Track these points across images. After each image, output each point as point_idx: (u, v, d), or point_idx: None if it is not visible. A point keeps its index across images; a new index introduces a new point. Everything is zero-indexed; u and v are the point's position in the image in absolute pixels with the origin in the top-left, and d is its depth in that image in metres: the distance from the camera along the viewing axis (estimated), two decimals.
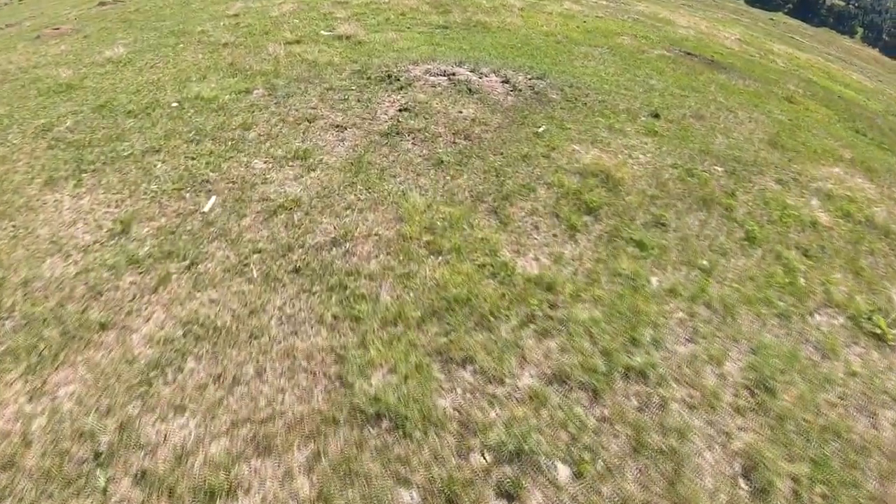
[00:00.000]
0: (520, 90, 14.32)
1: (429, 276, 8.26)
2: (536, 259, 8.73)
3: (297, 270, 8.32)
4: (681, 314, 8.13)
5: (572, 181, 10.46)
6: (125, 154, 10.86)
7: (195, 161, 10.65)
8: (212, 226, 9.06)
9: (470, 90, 14.09)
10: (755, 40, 37.43)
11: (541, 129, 12.19)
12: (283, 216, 9.27)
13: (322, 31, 20.02)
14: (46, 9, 33.41)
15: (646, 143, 12.47)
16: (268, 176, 10.27)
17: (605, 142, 12.19)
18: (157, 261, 8.33)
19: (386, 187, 10.06)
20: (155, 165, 10.44)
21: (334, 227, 9.06)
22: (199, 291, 7.88)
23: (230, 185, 10.02)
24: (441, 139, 11.68)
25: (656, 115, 14.21)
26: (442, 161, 10.89)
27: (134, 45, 19.26)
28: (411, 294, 7.97)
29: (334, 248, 8.67)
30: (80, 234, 8.81)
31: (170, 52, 17.78)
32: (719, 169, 11.74)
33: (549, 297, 8.07)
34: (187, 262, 8.34)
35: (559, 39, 21.87)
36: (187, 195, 9.69)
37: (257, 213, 9.36)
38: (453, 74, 14.90)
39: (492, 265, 8.51)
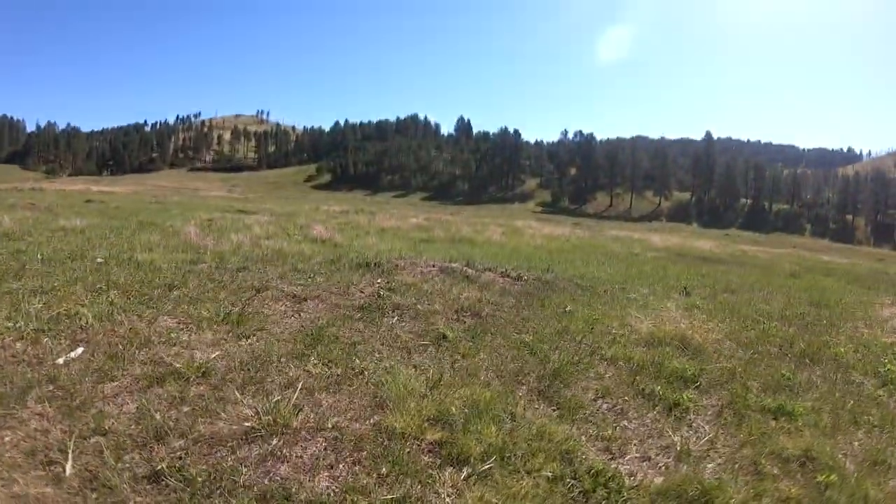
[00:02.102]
0: (525, 280, 12.22)
1: None
2: (647, 459, 5.21)
3: (155, 477, 4.27)
4: None
5: (640, 352, 7.94)
6: (7, 289, 8.66)
7: (83, 308, 7.74)
8: (51, 383, 5.52)
9: (468, 278, 11.77)
10: (728, 246, 41.32)
11: (568, 308, 10.16)
12: (171, 387, 5.59)
13: (294, 235, 18.82)
14: (39, 198, 37.06)
15: (697, 313, 10.72)
16: (174, 336, 7.04)
17: (654, 314, 10.20)
18: None
19: (357, 363, 6.62)
20: (31, 304, 7.89)
21: (255, 412, 5.14)
22: None
23: (112, 337, 6.85)
24: (440, 316, 8.86)
25: (688, 293, 12.99)
26: (445, 336, 7.86)
27: (95, 223, 18.70)
28: None
29: (246, 446, 4.68)
30: None
31: (125, 232, 16.44)
32: (790, 329, 10.28)
33: None
34: None
35: (550, 250, 21.48)
36: (46, 340, 6.62)
37: (134, 377, 5.80)
38: (443, 267, 12.54)
39: (574, 477, 4.73)
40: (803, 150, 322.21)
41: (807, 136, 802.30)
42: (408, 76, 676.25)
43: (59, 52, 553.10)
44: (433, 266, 12.56)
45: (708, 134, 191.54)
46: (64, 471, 4.19)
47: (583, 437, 5.35)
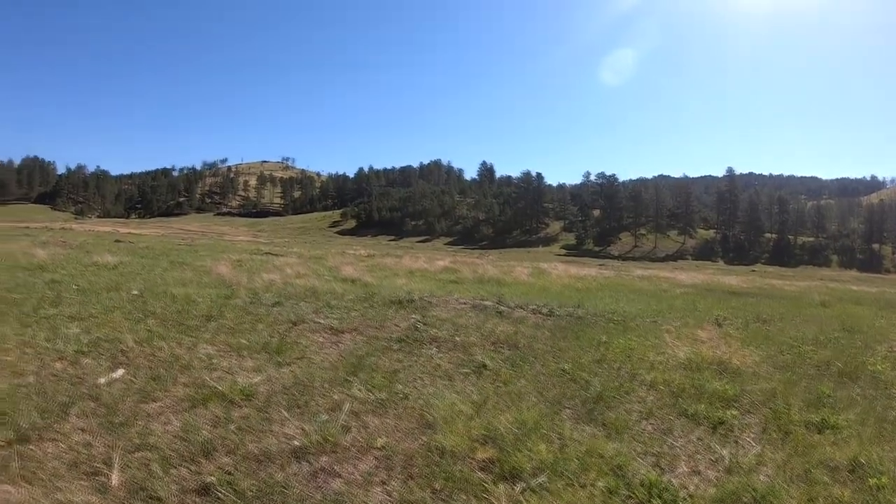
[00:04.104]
0: (557, 315, 12.12)
1: None
2: (697, 472, 5.15)
3: (204, 490, 4.22)
4: None
5: (679, 376, 7.95)
6: (45, 315, 9.07)
7: (121, 334, 8.02)
8: (93, 400, 5.60)
9: (500, 314, 11.79)
10: (755, 280, 40.97)
11: (603, 339, 10.06)
12: (215, 409, 5.65)
13: (325, 275, 18.79)
14: (70, 236, 39.81)
15: (731, 342, 10.51)
16: (214, 362, 7.20)
17: (689, 343, 10.14)
18: None
19: (401, 389, 6.66)
20: (69, 328, 8.20)
21: (302, 432, 5.15)
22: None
23: (153, 361, 7.02)
24: (477, 347, 8.90)
25: (720, 324, 12.87)
26: (485, 365, 7.93)
27: (126, 260, 19.30)
28: None
29: (296, 463, 4.66)
30: None
31: (157, 270, 17.13)
32: (825, 352, 10.21)
33: None
34: (14, 434, 4.79)
35: (578, 289, 21.43)
36: (86, 361, 6.85)
37: (177, 399, 5.87)
38: (476, 304, 12.72)
39: (628, 488, 4.69)
40: (826, 180, 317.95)
41: (828, 166, 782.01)
42: (430, 124, 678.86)
43: (90, 99, 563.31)
44: (465, 303, 12.75)
45: (730, 170, 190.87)
46: (109, 481, 4.18)
47: (632, 454, 5.29)
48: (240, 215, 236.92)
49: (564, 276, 28.05)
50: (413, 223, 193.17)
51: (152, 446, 4.73)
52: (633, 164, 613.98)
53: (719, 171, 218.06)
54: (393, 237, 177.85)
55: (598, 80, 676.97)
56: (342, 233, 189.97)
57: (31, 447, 4.59)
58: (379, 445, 5.08)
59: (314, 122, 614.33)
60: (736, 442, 5.83)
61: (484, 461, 4.93)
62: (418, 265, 27.83)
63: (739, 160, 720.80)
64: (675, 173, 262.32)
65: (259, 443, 4.93)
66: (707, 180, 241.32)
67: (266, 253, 32.67)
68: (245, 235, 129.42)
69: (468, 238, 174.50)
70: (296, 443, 4.97)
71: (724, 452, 5.51)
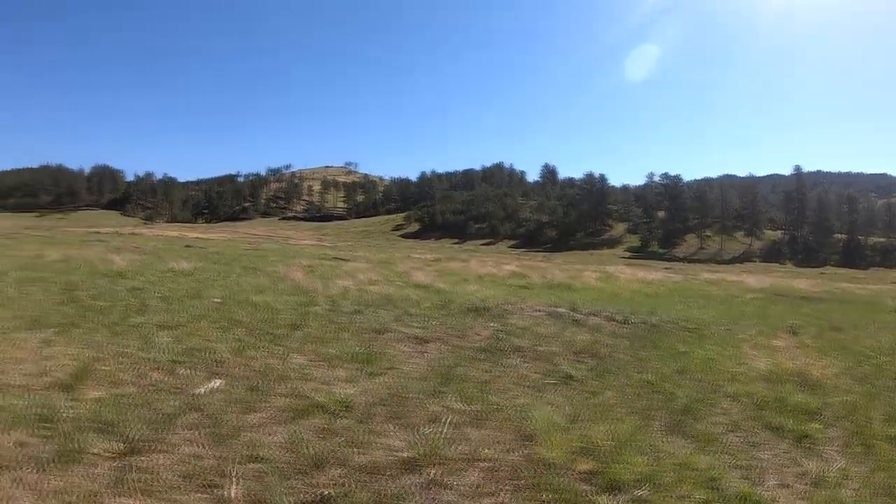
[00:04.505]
0: (632, 323, 12.30)
1: None
2: (786, 485, 5.25)
3: (324, 502, 4.30)
4: None
5: (760, 388, 7.99)
6: (133, 323, 9.42)
7: (212, 343, 8.29)
8: (196, 411, 5.71)
9: (576, 322, 11.96)
10: (825, 283, 40.11)
11: (682, 349, 10.24)
12: (317, 420, 5.75)
13: (396, 281, 19.00)
14: (140, 241, 41.79)
15: (808, 352, 10.42)
16: (307, 372, 7.33)
17: (767, 353, 10.18)
18: (80, 429, 5.08)
19: (494, 400, 6.75)
20: (159, 337, 8.47)
21: (407, 444, 5.26)
22: (115, 497, 4.16)
23: (248, 371, 7.21)
24: (560, 357, 9.01)
25: (795, 333, 12.76)
26: (570, 376, 8.03)
27: (200, 266, 20.08)
28: None
29: (406, 475, 4.74)
30: (14, 372, 6.64)
31: (232, 276, 17.73)
32: None
33: None
34: (123, 446, 4.84)
35: (648, 294, 21.49)
36: (182, 371, 6.99)
37: (276, 409, 5.99)
38: (551, 312, 12.87)
39: (723, 501, 4.83)
40: None
41: None
42: (492, 127, 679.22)
43: (158, 110, 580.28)
44: (539, 310, 12.95)
45: (797, 168, 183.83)
46: (228, 493, 4.26)
47: (723, 466, 5.39)
48: (304, 219, 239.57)
49: (633, 280, 27.95)
50: (476, 226, 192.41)
51: (263, 458, 4.80)
52: (697, 163, 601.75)
53: (786, 170, 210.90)
54: (456, 240, 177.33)
55: (662, 77, 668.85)
56: (405, 236, 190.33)
57: (142, 458, 4.67)
58: (483, 457, 5.16)
59: (376, 127, 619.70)
60: (820, 455, 5.87)
61: (585, 473, 5.01)
62: (486, 270, 27.83)
63: (807, 158, 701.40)
64: (741, 173, 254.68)
65: (367, 455, 5.01)
66: (773, 179, 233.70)
67: (334, 258, 33.06)
68: (310, 239, 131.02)
69: (532, 240, 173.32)
70: (403, 454, 5.05)
71: (810, 466, 5.59)
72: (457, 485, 4.67)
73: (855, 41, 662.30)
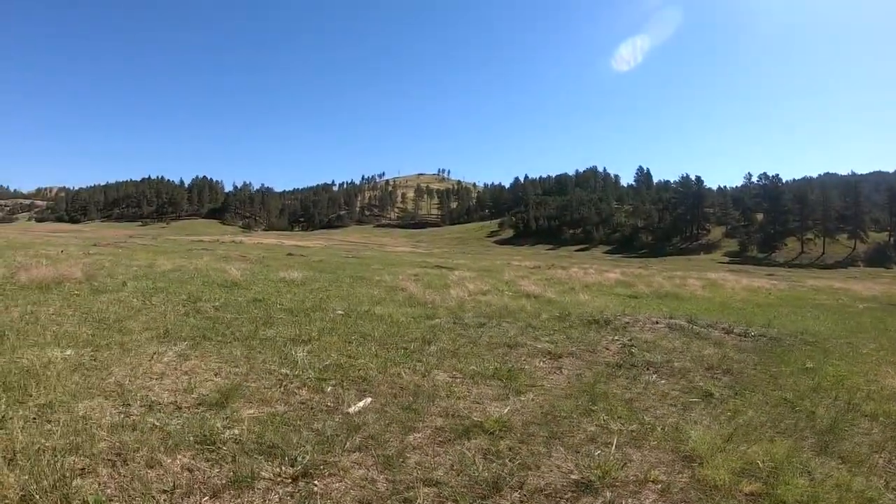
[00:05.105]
0: (752, 336, 12.29)
1: None
2: None
3: None
4: None
5: None
6: (264, 336, 9.46)
7: (350, 359, 8.36)
8: (356, 432, 5.69)
9: (698, 335, 11.95)
10: None
11: (809, 365, 10.10)
12: (479, 441, 5.71)
13: (505, 290, 19.09)
14: (243, 249, 44.09)
15: None
16: (454, 390, 7.30)
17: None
18: (245, 452, 5.08)
19: (645, 419, 6.74)
20: (295, 352, 8.44)
21: (574, 466, 5.27)
22: None
23: (396, 389, 7.20)
24: (693, 374, 9.00)
25: None
26: (710, 394, 8.02)
27: (310, 276, 20.51)
28: None
29: (584, 498, 4.74)
30: (159, 388, 6.64)
31: (343, 286, 18.00)
32: None
33: None
34: (293, 469, 4.82)
35: (757, 304, 21.37)
36: (329, 389, 7.03)
37: (435, 429, 5.95)
38: (671, 324, 12.86)
39: None
40: None
41: None
42: (585, 131, 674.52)
43: (259, 127, 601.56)
44: (657, 323, 12.98)
45: None
46: None
47: (878, 487, 5.39)
48: (398, 227, 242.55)
49: (738, 288, 28.01)
50: (571, 231, 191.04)
51: (437, 482, 4.80)
52: (797, 162, 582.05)
53: (891, 167, 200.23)
54: (551, 246, 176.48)
55: (759, 75, 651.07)
56: (500, 242, 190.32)
57: (316, 484, 4.65)
58: (653, 479, 5.15)
59: (468, 134, 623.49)
60: None
61: (751, 494, 5.03)
62: (591, 279, 27.99)
63: None
64: (843, 170, 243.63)
65: (540, 478, 4.98)
66: (877, 176, 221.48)
67: (436, 266, 33.36)
68: (404, 246, 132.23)
69: (627, 246, 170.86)
70: (574, 477, 5.03)
71: None
72: None
73: None
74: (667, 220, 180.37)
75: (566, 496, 4.71)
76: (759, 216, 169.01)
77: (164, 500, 4.26)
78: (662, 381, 8.40)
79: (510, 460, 5.28)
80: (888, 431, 6.96)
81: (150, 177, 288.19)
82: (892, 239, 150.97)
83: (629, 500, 4.74)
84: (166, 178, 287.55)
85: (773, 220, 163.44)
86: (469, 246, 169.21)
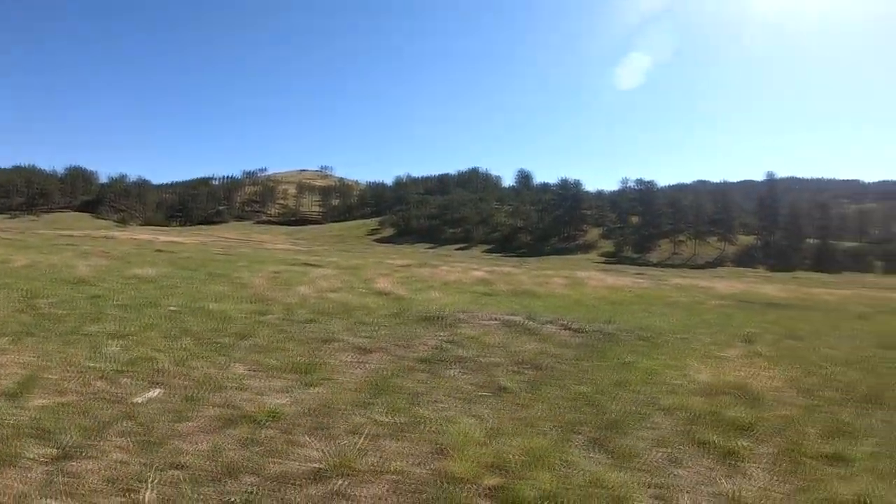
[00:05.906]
0: (586, 332, 12.38)
1: None
2: None
3: None
4: None
5: (697, 401, 7.91)
6: (87, 332, 9.53)
7: (160, 353, 8.45)
8: (130, 419, 5.96)
9: (528, 331, 12.06)
10: (795, 289, 40.41)
11: (627, 360, 10.19)
12: (243, 429, 5.96)
13: (359, 288, 19.07)
14: (111, 245, 42.09)
15: (758, 362, 10.69)
16: (245, 382, 7.51)
17: (714, 363, 10.34)
18: (18, 436, 5.39)
19: (420, 412, 6.83)
20: (108, 346, 8.64)
21: (323, 454, 5.45)
22: (42, 499, 4.49)
23: (187, 382, 7.38)
24: (500, 368, 9.08)
25: (749, 341, 12.98)
26: (504, 388, 8.05)
27: (166, 272, 20.08)
28: None
29: (314, 485, 4.93)
30: None
31: (195, 282, 17.72)
32: (855, 373, 10.26)
33: None
34: (56, 451, 5.17)
35: (613, 301, 21.57)
36: (125, 381, 7.21)
37: (208, 418, 6.21)
38: (506, 320, 13.00)
39: None
40: (868, 184, 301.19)
41: (871, 169, 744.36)
42: (467, 132, 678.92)
43: (132, 111, 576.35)
44: (495, 319, 13.03)
45: (770, 174, 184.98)
46: (143, 497, 4.52)
47: (636, 485, 5.36)
48: (279, 223, 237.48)
49: (600, 286, 28.28)
50: (451, 231, 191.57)
51: (183, 465, 5.04)
52: (671, 169, 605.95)
53: (759, 176, 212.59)
54: (431, 245, 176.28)
55: (638, 83, 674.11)
56: (381, 241, 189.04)
57: (73, 464, 4.94)
58: (392, 470, 5.29)
59: (352, 131, 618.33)
60: (744, 473, 5.83)
61: (489, 488, 5.09)
62: (454, 277, 28.00)
63: (779, 164, 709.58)
64: (715, 178, 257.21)
65: (281, 465, 5.19)
66: (747, 185, 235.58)
67: (303, 263, 33.03)
68: (284, 244, 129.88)
69: (506, 245, 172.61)
70: (315, 465, 5.23)
71: (729, 486, 5.54)
72: (360, 496, 4.82)
73: (828, 50, 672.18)
74: (546, 220, 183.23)
75: (297, 483, 4.93)
76: (635, 219, 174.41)
77: None
78: (464, 376, 8.49)
79: (262, 448, 5.50)
80: (679, 426, 7.03)
81: (20, 165, 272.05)
82: (759, 241, 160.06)
83: (359, 490, 4.91)
84: (38, 166, 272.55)
85: (648, 222, 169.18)
86: (349, 244, 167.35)
